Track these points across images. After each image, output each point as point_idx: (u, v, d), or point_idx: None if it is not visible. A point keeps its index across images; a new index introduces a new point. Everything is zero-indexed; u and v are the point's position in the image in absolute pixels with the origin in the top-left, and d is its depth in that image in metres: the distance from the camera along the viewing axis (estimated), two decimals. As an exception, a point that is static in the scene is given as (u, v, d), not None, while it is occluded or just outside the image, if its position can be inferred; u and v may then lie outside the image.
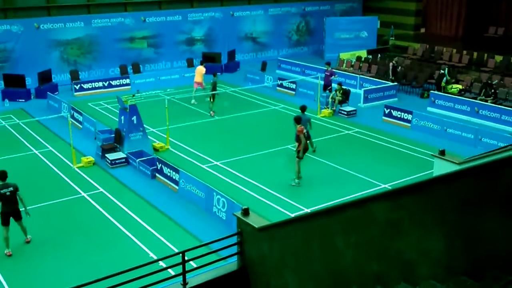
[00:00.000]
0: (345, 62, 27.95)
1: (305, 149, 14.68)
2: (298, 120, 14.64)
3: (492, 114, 19.56)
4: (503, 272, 4.73)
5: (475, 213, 5.00)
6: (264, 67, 27.95)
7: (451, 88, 22.37)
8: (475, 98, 21.14)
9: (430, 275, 5.45)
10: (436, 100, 21.46)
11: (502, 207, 4.78)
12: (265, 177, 15.04)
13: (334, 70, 23.88)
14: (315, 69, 26.22)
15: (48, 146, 17.76)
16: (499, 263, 4.84)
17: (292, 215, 12.40)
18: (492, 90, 20.98)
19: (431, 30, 32.97)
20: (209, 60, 28.30)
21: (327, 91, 21.70)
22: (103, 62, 27.02)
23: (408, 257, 5.74)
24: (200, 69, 22.38)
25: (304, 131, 14.55)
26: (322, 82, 21.76)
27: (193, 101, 22.45)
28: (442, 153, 11.47)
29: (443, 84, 22.84)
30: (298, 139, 14.44)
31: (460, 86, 22.46)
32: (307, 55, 32.83)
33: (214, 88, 21.02)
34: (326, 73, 22.52)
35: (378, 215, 6.03)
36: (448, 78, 22.96)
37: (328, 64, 23.05)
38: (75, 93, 23.97)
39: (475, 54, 26.05)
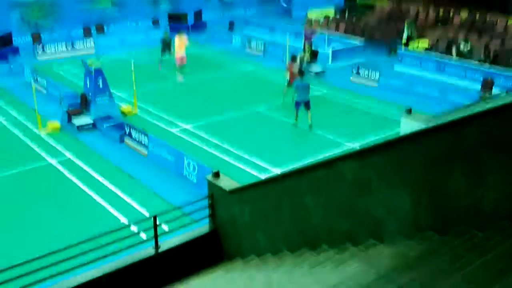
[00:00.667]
0: (312, 21, 27.73)
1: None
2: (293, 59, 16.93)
3: (457, 72, 19.81)
4: (468, 227, 4.88)
5: (441, 170, 5.10)
6: (231, 26, 27.56)
7: (418, 43, 22.44)
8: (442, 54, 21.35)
9: (398, 231, 5.59)
10: (403, 58, 21.58)
11: (466, 163, 4.89)
12: (235, 140, 15.02)
13: (314, 29, 23.61)
14: (284, 28, 25.98)
15: (11, 112, 17.30)
16: (464, 218, 4.98)
17: (263, 177, 12.48)
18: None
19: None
20: (175, 20, 27.77)
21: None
22: (65, 24, 26.18)
23: (376, 215, 5.86)
24: (182, 40, 20.17)
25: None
26: (292, 42, 21.59)
27: (179, 77, 20.46)
28: (409, 111, 11.60)
29: (404, 41, 22.88)
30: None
31: (426, 41, 22.56)
32: (275, 14, 32.45)
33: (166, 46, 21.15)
34: (306, 32, 22.35)
35: (347, 175, 6.10)
36: (409, 33, 22.91)
37: (310, 23, 22.82)
38: (38, 57, 23.27)
39: (441, 11, 26.13)
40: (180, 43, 20.21)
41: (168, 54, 21.73)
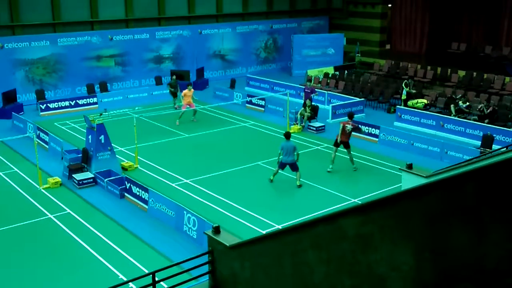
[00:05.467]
0: (312, 78, 28.24)
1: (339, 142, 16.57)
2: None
3: (457, 128, 20.00)
4: (471, 284, 4.79)
5: (442, 226, 5.06)
6: (233, 84, 28.05)
7: (417, 102, 22.79)
8: (440, 113, 21.60)
9: (401, 288, 5.49)
10: (403, 115, 21.83)
11: (467, 219, 4.85)
12: (236, 194, 14.99)
13: (314, 87, 24.05)
14: (284, 85, 26.45)
15: (13, 167, 17.36)
16: (468, 275, 4.91)
17: (264, 232, 12.37)
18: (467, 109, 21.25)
19: (396, 47, 33.68)
20: (177, 77, 28.27)
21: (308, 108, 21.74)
22: (69, 81, 26.68)
23: (379, 271, 5.76)
24: (191, 92, 22.07)
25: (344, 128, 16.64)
26: (292, 98, 21.91)
27: (177, 122, 21.92)
28: (410, 167, 11.65)
29: (403, 97, 23.21)
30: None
31: (425, 101, 22.92)
32: (275, 72, 33.10)
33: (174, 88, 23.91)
34: (306, 90, 22.76)
35: (348, 230, 6.04)
36: (408, 89, 23.23)
37: (309, 80, 23.27)
38: (41, 113, 23.57)
39: (439, 69, 26.69)
40: (189, 94, 22.00)
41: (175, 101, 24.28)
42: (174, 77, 24.80)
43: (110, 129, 16.80)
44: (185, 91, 22.07)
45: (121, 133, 19.68)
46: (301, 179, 15.67)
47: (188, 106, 21.96)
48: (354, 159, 16.88)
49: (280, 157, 15.36)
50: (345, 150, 16.71)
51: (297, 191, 15.32)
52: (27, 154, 18.21)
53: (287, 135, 15.57)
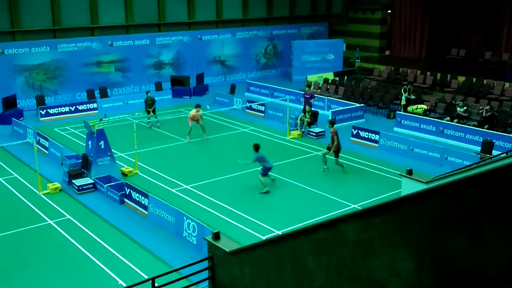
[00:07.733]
0: (312, 84, 28.29)
1: (338, 150, 17.01)
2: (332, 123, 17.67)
3: (456, 134, 20.00)
4: (472, 289, 4.78)
5: (442, 232, 5.05)
6: (233, 89, 28.07)
7: (417, 108, 22.80)
8: (440, 118, 21.61)
9: (401, 294, 5.47)
10: (402, 121, 21.84)
11: (468, 224, 4.85)
12: (236, 200, 14.97)
13: (313, 93, 24.03)
14: (284, 91, 26.48)
15: (13, 173, 17.34)
16: (468, 281, 4.89)
17: (263, 238, 12.34)
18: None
19: (396, 52, 33.76)
20: (177, 83, 28.35)
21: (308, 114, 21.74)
22: (69, 87, 26.70)
23: (379, 277, 5.75)
24: (199, 112, 20.52)
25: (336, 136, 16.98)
26: (292, 104, 21.92)
27: (188, 138, 20.70)
28: (410, 172, 11.64)
29: (402, 102, 23.22)
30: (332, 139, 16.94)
31: (425, 107, 22.94)
32: (275, 78, 33.14)
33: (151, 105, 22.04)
34: (305, 95, 22.77)
35: (349, 236, 6.03)
36: (406, 95, 23.23)
37: (309, 86, 23.28)
38: (41, 119, 23.58)
39: (438, 75, 26.73)
40: (197, 115, 20.53)
41: (152, 116, 22.42)
42: (149, 93, 22.79)
43: (110, 135, 16.80)
44: (193, 112, 20.56)
45: (121, 139, 19.68)
46: (267, 187, 15.60)
47: (194, 122, 20.57)
48: (354, 164, 16.85)
49: (248, 163, 15.69)
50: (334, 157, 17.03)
51: (297, 197, 15.29)
52: (27, 160, 18.20)
53: (256, 147, 15.62)
